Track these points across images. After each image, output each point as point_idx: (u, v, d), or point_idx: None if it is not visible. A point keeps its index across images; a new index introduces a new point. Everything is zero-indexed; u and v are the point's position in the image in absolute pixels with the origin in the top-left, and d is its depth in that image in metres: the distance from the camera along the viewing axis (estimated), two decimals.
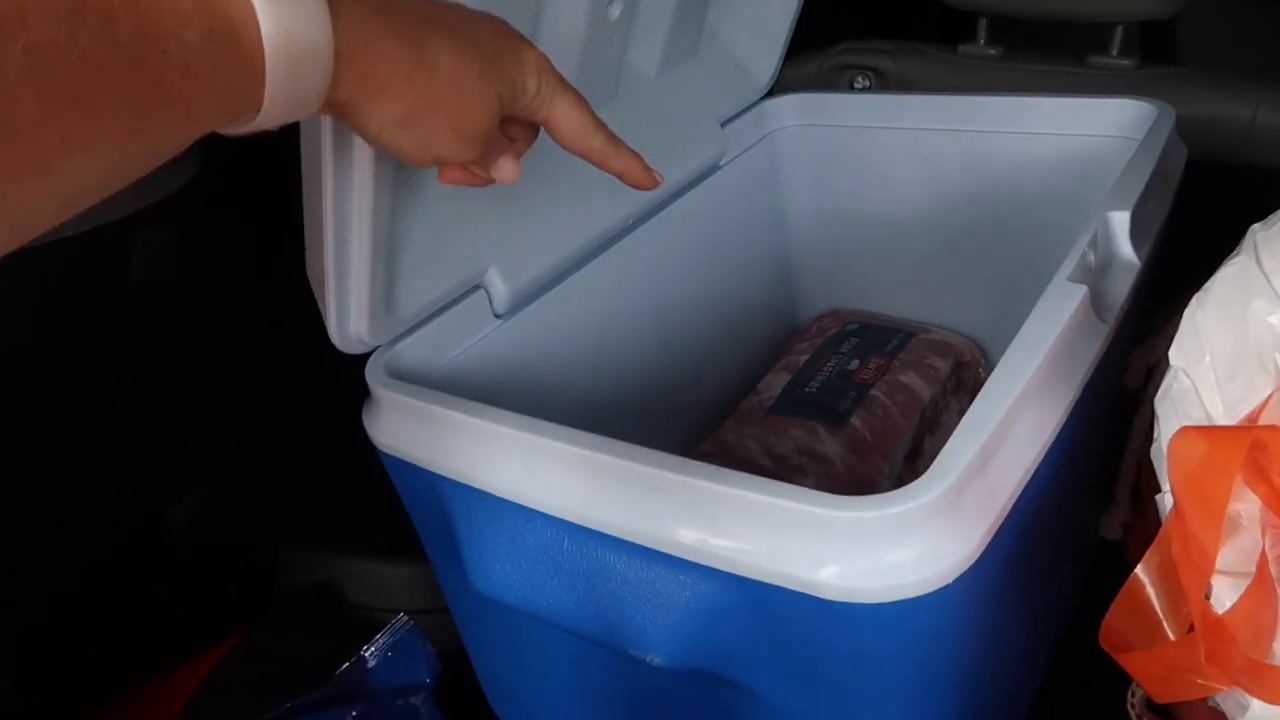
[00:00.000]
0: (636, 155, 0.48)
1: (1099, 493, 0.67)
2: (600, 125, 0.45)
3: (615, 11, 0.61)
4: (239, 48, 0.28)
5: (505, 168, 0.45)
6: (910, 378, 0.74)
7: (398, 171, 0.48)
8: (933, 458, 0.75)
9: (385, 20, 0.35)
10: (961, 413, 0.79)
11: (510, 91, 0.41)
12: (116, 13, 0.25)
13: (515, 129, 0.45)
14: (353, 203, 0.47)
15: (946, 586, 0.37)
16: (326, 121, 0.43)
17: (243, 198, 0.60)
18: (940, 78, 0.96)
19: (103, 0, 0.24)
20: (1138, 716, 0.56)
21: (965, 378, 0.78)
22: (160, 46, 0.26)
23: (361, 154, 0.44)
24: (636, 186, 0.49)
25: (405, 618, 0.49)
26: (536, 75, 0.42)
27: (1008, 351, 0.43)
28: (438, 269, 0.56)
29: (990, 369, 0.81)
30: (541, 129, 0.46)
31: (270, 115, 0.31)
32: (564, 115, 0.44)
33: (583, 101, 0.44)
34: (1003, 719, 0.58)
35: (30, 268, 0.52)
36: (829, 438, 0.69)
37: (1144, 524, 0.63)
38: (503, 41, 0.41)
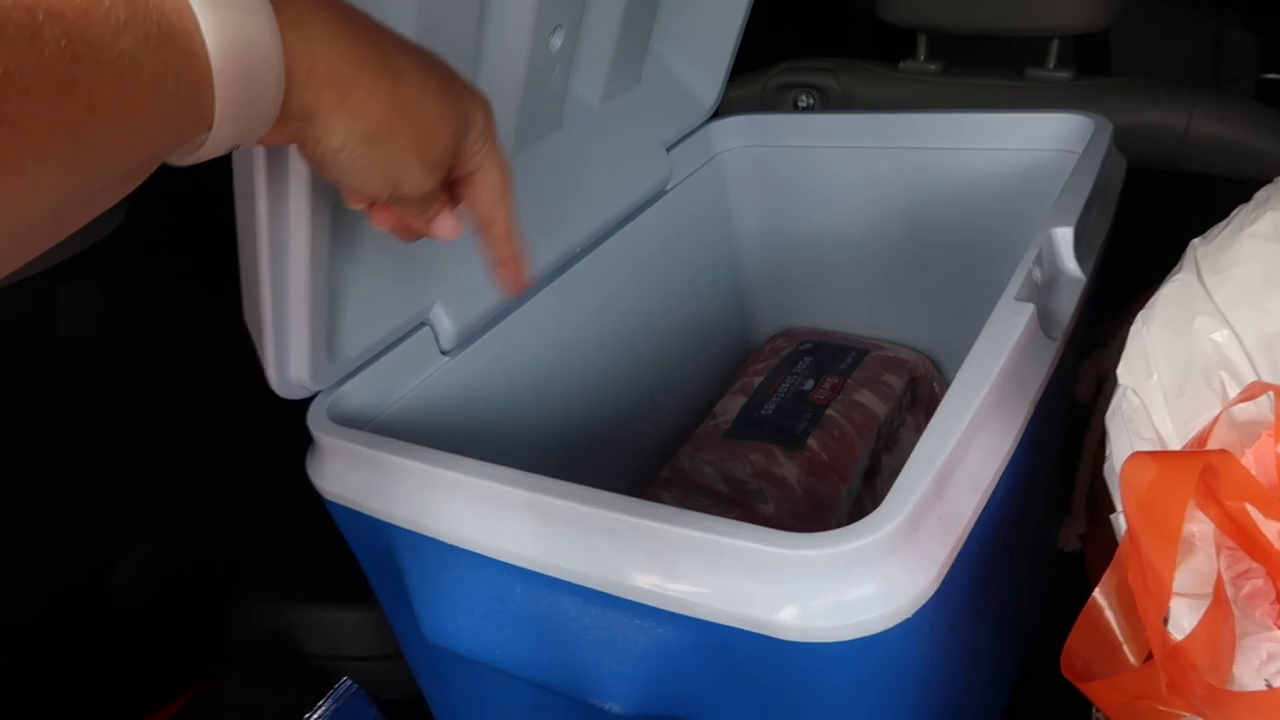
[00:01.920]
0: (524, 256, 0.46)
1: (1055, 504, 0.67)
2: (512, 205, 0.44)
3: (557, 42, 0.60)
4: (179, 52, 0.26)
5: (448, 223, 0.43)
6: (865, 396, 0.74)
7: (335, 209, 0.47)
8: (891, 475, 0.75)
9: (343, 18, 0.32)
10: (918, 428, 0.79)
11: (465, 120, 0.39)
12: (41, 28, 0.23)
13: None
14: (289, 245, 0.45)
15: (908, 620, 0.36)
16: (260, 160, 0.41)
17: (172, 244, 0.58)
18: (882, 94, 0.97)
19: (25, 15, 0.22)
20: None
21: (920, 393, 0.79)
22: (93, 59, 0.24)
23: (297, 193, 0.43)
24: (506, 283, 0.47)
25: (349, 682, 0.47)
26: (484, 114, 0.40)
27: (958, 375, 0.43)
28: (380, 308, 0.55)
29: (944, 383, 0.81)
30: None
31: (223, 131, 0.29)
32: (494, 170, 0.42)
33: (508, 170, 0.43)
34: None
35: None
36: (786, 460, 0.69)
37: (1101, 533, 0.63)
38: (453, 70, 0.39)
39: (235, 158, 0.43)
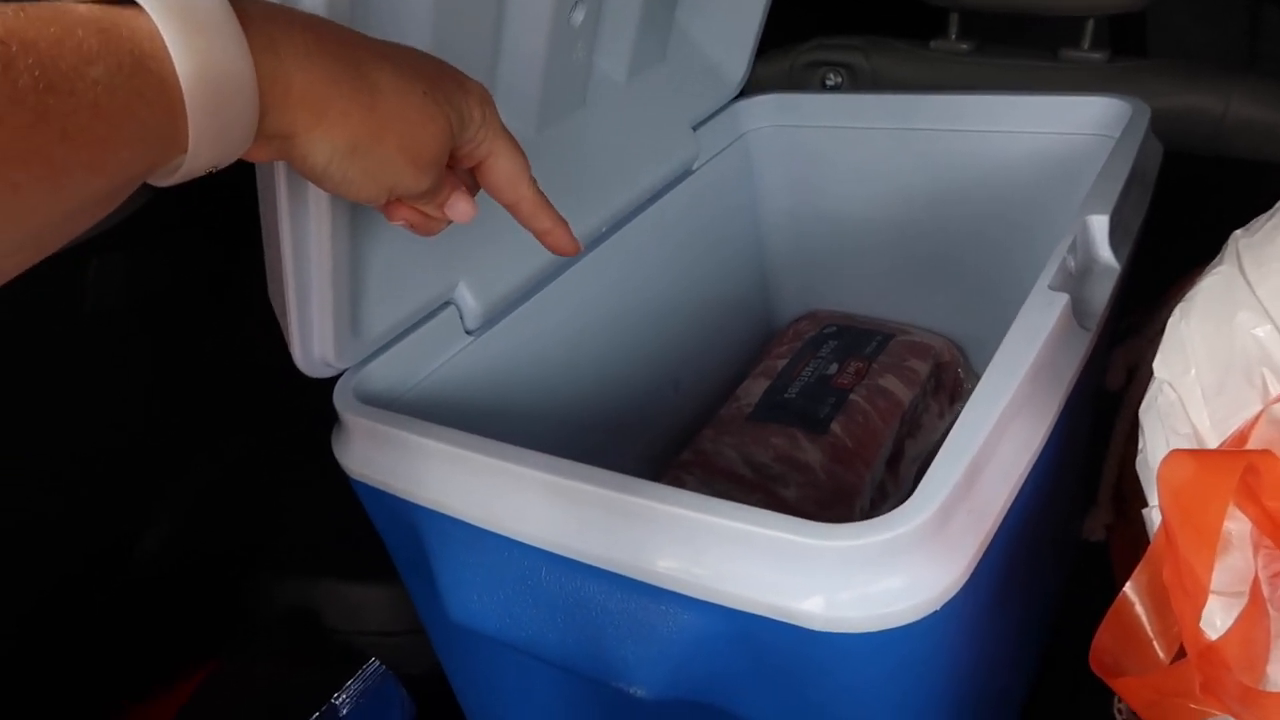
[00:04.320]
0: (562, 220, 0.46)
1: (1081, 495, 0.67)
2: (533, 179, 0.44)
3: (579, 17, 0.59)
4: (151, 79, 0.27)
5: (460, 205, 0.43)
6: (890, 381, 0.73)
7: None
8: (914, 461, 0.75)
9: (316, 39, 0.33)
10: (941, 414, 0.79)
11: (458, 117, 0.39)
12: (15, 59, 0.23)
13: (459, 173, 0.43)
14: (310, 220, 0.45)
15: (935, 613, 0.36)
16: None
17: (199, 220, 0.58)
18: (912, 73, 0.95)
19: None
20: None
21: (944, 379, 0.78)
22: (66, 88, 0.24)
23: None
24: (556, 251, 0.47)
25: (377, 662, 0.47)
26: (481, 106, 0.40)
27: (990, 365, 0.42)
28: (405, 286, 0.55)
29: (969, 369, 0.81)
30: None
31: (200, 153, 0.29)
32: (504, 155, 0.42)
33: (521, 149, 0.43)
34: None
35: None
36: (809, 445, 0.68)
37: (1126, 526, 0.63)
38: (444, 68, 0.39)
39: None
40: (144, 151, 0.28)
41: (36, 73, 0.24)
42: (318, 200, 0.44)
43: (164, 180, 0.31)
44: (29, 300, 0.54)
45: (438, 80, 0.38)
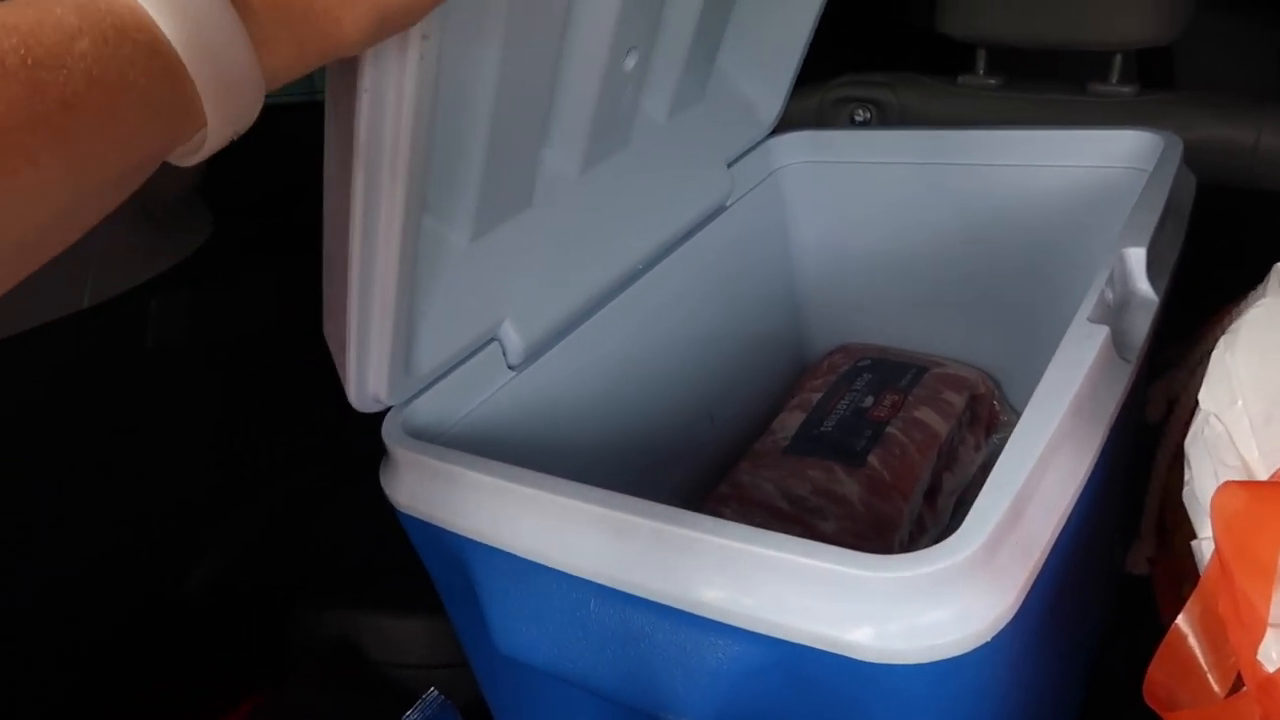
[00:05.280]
0: None
1: (1124, 526, 0.66)
2: None
3: (630, 63, 0.61)
4: (140, 48, 0.27)
5: None
6: (926, 414, 0.74)
7: (420, 229, 0.48)
8: (951, 494, 0.75)
9: None
10: (977, 447, 0.78)
11: None
12: None
13: None
14: (378, 261, 0.46)
15: (985, 644, 0.36)
16: (359, 185, 0.42)
17: (256, 261, 0.60)
18: (940, 109, 0.97)
19: None
20: None
21: (980, 411, 0.78)
22: (54, 63, 0.25)
23: (390, 211, 0.44)
24: None
25: (436, 692, 0.48)
26: None
27: (1033, 398, 0.42)
28: (454, 325, 0.56)
29: (1004, 402, 0.81)
30: None
31: (216, 116, 0.29)
32: None
33: None
34: None
35: (48, 339, 0.52)
36: (847, 478, 0.69)
37: (1169, 558, 0.62)
38: None
39: (328, 172, 0.44)
40: (155, 122, 0.28)
41: (21, 51, 0.25)
42: (388, 242, 0.45)
43: (190, 158, 0.31)
44: (91, 334, 0.55)
45: None
